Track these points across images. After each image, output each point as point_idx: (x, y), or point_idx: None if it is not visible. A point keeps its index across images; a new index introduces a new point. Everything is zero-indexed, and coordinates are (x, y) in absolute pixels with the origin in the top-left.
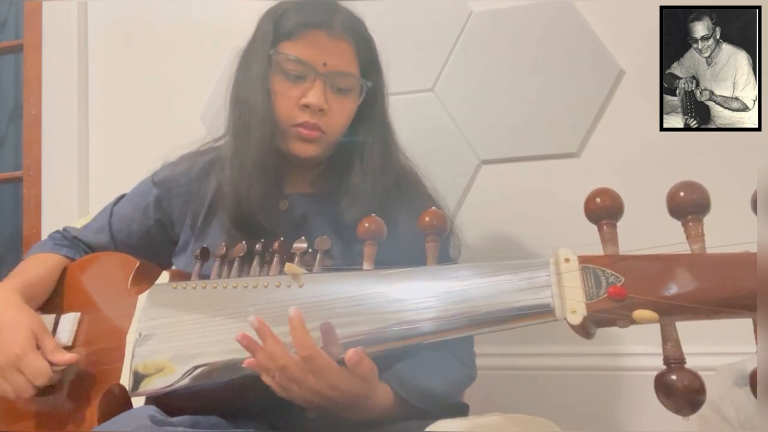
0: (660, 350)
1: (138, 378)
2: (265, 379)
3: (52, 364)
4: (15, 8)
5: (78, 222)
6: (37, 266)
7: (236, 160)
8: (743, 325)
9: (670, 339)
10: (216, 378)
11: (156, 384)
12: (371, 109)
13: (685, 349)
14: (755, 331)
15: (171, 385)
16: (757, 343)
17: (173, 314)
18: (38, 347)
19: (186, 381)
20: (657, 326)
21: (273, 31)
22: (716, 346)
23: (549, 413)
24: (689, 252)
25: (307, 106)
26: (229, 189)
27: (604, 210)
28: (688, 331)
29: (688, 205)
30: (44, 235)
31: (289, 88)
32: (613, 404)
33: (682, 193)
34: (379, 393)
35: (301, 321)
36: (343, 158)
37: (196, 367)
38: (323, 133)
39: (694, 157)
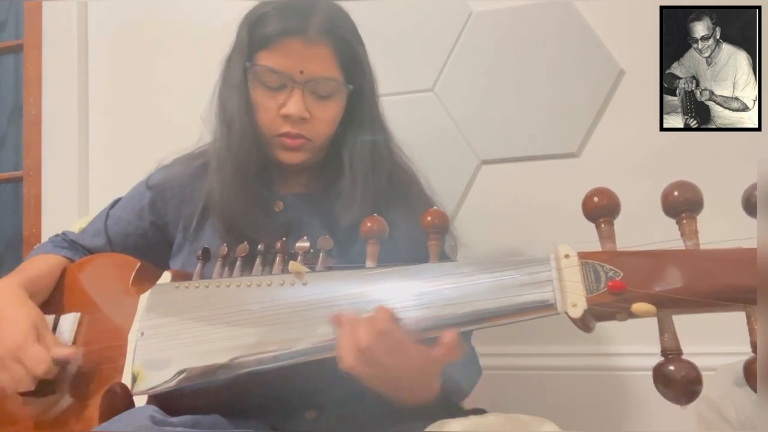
0: (659, 350)
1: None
2: (344, 358)
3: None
4: (15, 8)
5: (78, 222)
6: (38, 264)
7: (219, 171)
8: (743, 325)
9: (667, 331)
10: (219, 375)
11: (152, 381)
12: (359, 109)
13: (685, 349)
14: (748, 324)
15: (164, 381)
16: (751, 336)
17: (176, 313)
18: (38, 341)
19: (184, 380)
20: (656, 327)
21: (248, 40)
22: (716, 346)
23: (549, 413)
24: (684, 248)
25: (287, 116)
26: (216, 198)
27: (601, 208)
28: (688, 331)
29: (682, 204)
30: (44, 235)
31: (269, 98)
32: (612, 404)
33: (676, 193)
34: (436, 380)
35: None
36: (334, 159)
37: (196, 366)
38: (308, 140)
39: (694, 157)
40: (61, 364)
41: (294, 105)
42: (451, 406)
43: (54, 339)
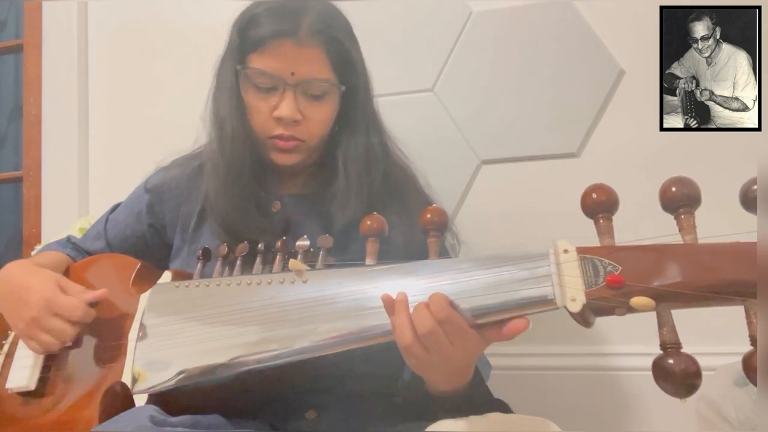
0: (659, 351)
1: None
2: (402, 340)
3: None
4: (15, 8)
5: (77, 222)
6: (45, 258)
7: (214, 174)
8: (743, 325)
9: (665, 325)
10: (219, 374)
11: (152, 381)
12: (353, 109)
13: (685, 349)
14: (747, 318)
15: (165, 380)
16: (749, 329)
17: (176, 312)
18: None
19: (184, 379)
20: (655, 328)
21: (239, 42)
22: (716, 346)
23: (549, 413)
24: (682, 243)
25: (279, 118)
26: (213, 200)
27: (600, 204)
28: (688, 331)
29: (680, 199)
30: (44, 235)
31: (261, 100)
32: (612, 404)
33: (674, 188)
34: (473, 365)
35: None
36: (330, 160)
37: (196, 366)
38: (301, 141)
39: (694, 157)
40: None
41: (286, 107)
42: (480, 392)
43: (80, 287)
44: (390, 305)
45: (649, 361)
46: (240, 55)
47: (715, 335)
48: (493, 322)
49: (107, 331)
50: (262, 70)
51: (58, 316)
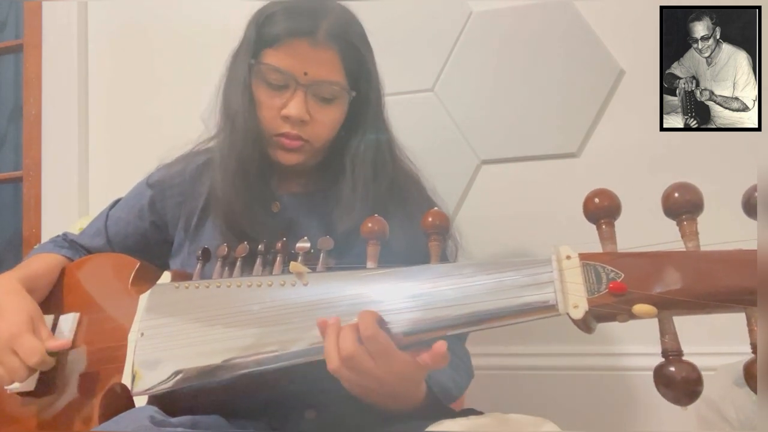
0: (660, 351)
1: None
2: (329, 364)
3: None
4: (15, 8)
5: (78, 222)
6: (38, 262)
7: (222, 167)
8: (743, 325)
9: (668, 332)
10: (219, 376)
11: (152, 381)
12: (362, 115)
13: (685, 349)
14: (748, 325)
15: (164, 381)
16: (750, 337)
17: (176, 313)
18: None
19: (183, 380)
20: (656, 327)
21: (255, 37)
22: (716, 346)
23: (549, 413)
24: (685, 249)
25: (287, 117)
26: (218, 194)
27: (602, 210)
28: (688, 331)
29: (683, 206)
30: (44, 235)
31: (272, 97)
32: (613, 404)
33: (676, 194)
34: (421, 386)
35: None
36: (335, 161)
37: (195, 367)
38: (306, 142)
39: (694, 157)
40: (57, 356)
41: (295, 106)
42: (439, 409)
43: (48, 332)
44: (322, 330)
45: (649, 362)
46: (254, 50)
47: (715, 335)
48: (419, 344)
49: (106, 332)
50: (276, 66)
51: (16, 354)
